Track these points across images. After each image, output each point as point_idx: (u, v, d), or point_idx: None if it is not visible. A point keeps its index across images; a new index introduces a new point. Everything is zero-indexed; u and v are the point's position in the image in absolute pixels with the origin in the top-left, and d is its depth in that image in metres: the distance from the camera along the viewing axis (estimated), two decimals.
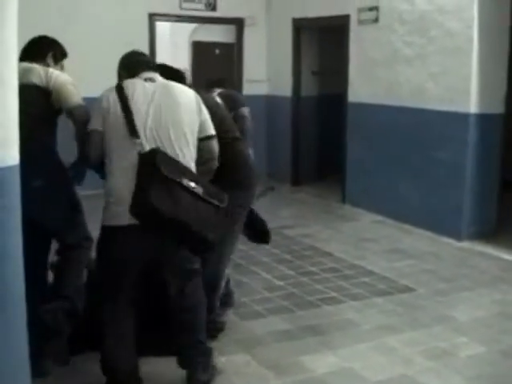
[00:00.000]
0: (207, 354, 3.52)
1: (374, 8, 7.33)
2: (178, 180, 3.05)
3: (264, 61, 9.64)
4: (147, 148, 3.12)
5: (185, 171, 3.15)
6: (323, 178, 9.52)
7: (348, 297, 4.92)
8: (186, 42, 14.48)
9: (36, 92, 3.58)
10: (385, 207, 7.38)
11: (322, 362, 3.82)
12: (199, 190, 3.12)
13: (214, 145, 3.44)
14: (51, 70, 3.70)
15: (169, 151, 3.15)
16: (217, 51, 14.60)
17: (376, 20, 7.33)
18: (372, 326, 4.40)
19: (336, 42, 8.40)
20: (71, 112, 3.57)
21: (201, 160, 3.36)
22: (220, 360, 3.81)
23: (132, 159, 3.11)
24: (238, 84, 9.74)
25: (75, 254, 3.77)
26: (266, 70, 9.66)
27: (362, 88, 7.70)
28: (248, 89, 9.64)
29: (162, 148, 3.14)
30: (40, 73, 3.62)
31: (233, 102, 4.43)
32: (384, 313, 4.63)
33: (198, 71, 14.77)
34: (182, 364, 3.49)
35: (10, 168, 2.27)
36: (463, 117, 6.31)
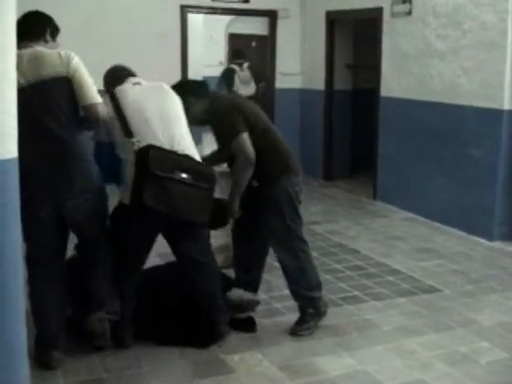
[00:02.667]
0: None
1: (408, 0, 7.18)
2: (171, 175, 3.40)
3: (297, 54, 9.53)
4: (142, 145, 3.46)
5: (180, 161, 3.52)
6: (356, 173, 9.42)
7: (370, 296, 4.82)
8: (221, 35, 14.45)
9: (60, 85, 3.39)
10: (416, 204, 7.24)
11: (336, 364, 3.73)
12: (190, 179, 3.48)
13: None
14: (64, 51, 3.44)
15: (171, 137, 3.62)
16: (253, 44, 14.55)
17: (409, 13, 7.17)
18: (392, 327, 4.29)
19: (370, 35, 8.27)
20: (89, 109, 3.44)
21: None
22: (233, 358, 3.77)
23: (131, 157, 3.48)
24: (270, 77, 9.66)
25: (99, 253, 3.69)
26: (300, 63, 9.56)
27: (394, 82, 7.56)
28: (281, 82, 9.56)
29: (167, 135, 3.59)
30: (54, 58, 3.38)
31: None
32: (406, 314, 4.52)
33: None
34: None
35: (7, 162, 2.24)
36: (497, 113, 6.13)
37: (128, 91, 3.67)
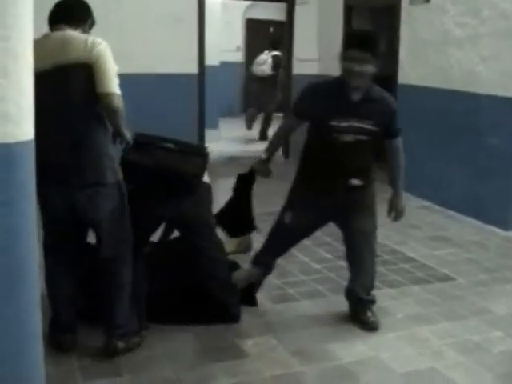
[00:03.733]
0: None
1: None
2: (156, 143, 3.72)
3: (315, 40, 9.47)
4: None
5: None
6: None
7: (384, 283, 4.80)
8: (239, 20, 14.38)
9: (79, 71, 3.28)
10: (431, 193, 7.20)
11: (349, 351, 3.73)
12: (175, 148, 3.74)
13: None
14: (93, 38, 3.31)
15: None
16: (271, 29, 14.49)
17: (427, 0, 7.09)
18: (405, 314, 4.28)
19: (388, 22, 8.19)
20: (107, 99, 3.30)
21: None
22: (246, 343, 3.78)
23: None
24: (287, 63, 9.62)
25: (116, 268, 3.54)
26: (317, 49, 9.50)
27: (412, 70, 7.50)
28: (298, 68, 9.52)
29: None
30: (80, 44, 3.27)
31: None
32: (419, 302, 4.50)
33: (251, 49, 14.71)
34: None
35: (22, 144, 2.23)
36: None
37: None
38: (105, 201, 3.40)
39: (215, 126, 11.04)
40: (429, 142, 7.27)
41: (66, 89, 3.30)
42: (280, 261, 5.18)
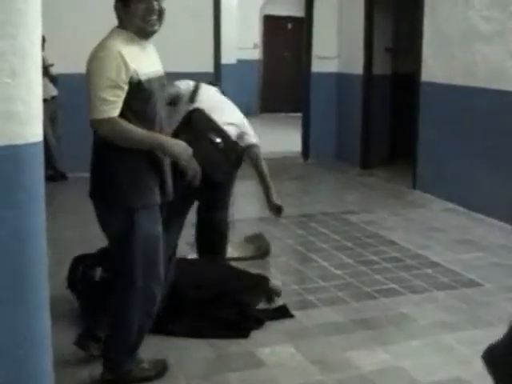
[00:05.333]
0: None
1: None
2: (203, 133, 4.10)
3: (334, 36, 9.46)
4: None
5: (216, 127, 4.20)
6: (395, 161, 9.33)
7: (407, 289, 4.78)
8: (256, 16, 14.40)
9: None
10: (457, 194, 7.15)
11: (370, 359, 3.71)
12: (221, 144, 4.17)
13: None
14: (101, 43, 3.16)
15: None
16: (289, 26, 14.50)
17: None
18: (429, 321, 4.25)
19: (411, 17, 8.16)
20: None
21: None
22: (263, 351, 3.76)
23: None
24: (306, 60, 9.61)
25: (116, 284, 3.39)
26: (337, 46, 9.49)
27: (436, 67, 7.46)
28: (317, 66, 9.51)
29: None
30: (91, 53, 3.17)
31: None
32: (444, 308, 4.47)
33: (269, 47, 14.74)
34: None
35: (31, 145, 2.24)
36: None
37: None
38: (107, 219, 3.30)
39: None
40: (453, 142, 7.23)
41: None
42: (299, 266, 5.19)
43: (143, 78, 3.12)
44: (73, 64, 7.71)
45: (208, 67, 8.56)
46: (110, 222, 3.26)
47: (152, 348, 3.70)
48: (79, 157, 8.00)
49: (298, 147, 9.98)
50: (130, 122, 3.10)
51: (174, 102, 4.44)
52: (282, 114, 14.65)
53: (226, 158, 4.23)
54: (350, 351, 3.80)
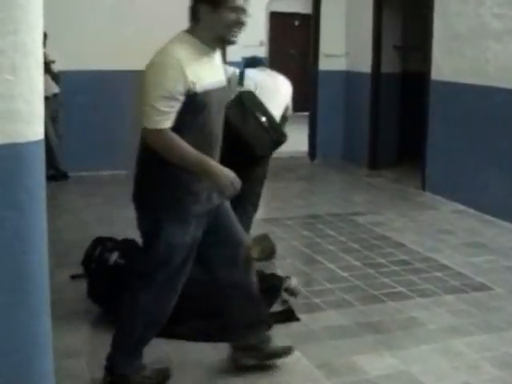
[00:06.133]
0: None
1: None
2: (252, 110, 4.65)
3: (342, 34, 9.47)
4: None
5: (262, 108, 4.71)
6: (403, 161, 9.33)
7: (416, 293, 4.78)
8: (262, 13, 14.39)
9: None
10: (467, 196, 7.15)
11: (377, 364, 3.71)
12: (265, 123, 4.68)
13: None
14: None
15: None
16: (296, 23, 14.49)
17: None
18: (438, 326, 4.25)
19: (420, 14, 8.16)
20: None
21: None
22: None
23: None
24: (313, 58, 9.61)
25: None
26: (345, 43, 9.49)
27: (446, 65, 7.46)
28: (325, 64, 9.51)
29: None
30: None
31: None
32: (454, 312, 4.47)
33: (275, 44, 14.72)
34: None
35: (32, 144, 2.24)
36: None
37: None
38: (139, 220, 3.32)
39: None
40: (464, 143, 7.23)
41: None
42: (305, 268, 5.19)
43: (200, 90, 3.03)
44: (75, 61, 7.84)
45: None
46: (141, 224, 3.29)
47: (156, 350, 3.72)
48: (81, 156, 8.14)
49: (304, 147, 9.98)
50: (181, 132, 3.04)
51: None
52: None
53: (268, 135, 4.70)
54: (356, 355, 3.80)
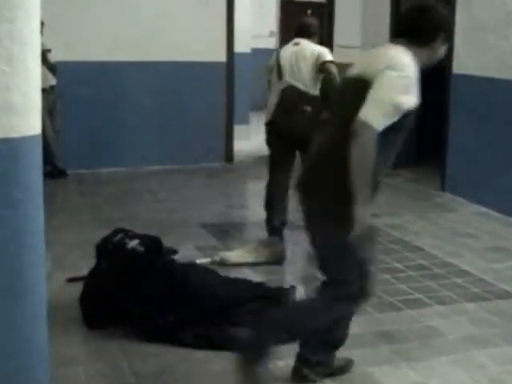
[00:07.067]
0: None
1: None
2: (294, 106, 5.41)
3: (358, 24, 9.45)
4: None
5: (303, 97, 5.46)
6: (422, 161, 9.30)
7: (434, 300, 4.77)
8: (272, 2, 14.41)
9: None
10: (490, 198, 7.13)
11: (393, 376, 3.70)
12: (308, 111, 5.37)
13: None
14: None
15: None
16: (308, 12, 14.47)
17: None
18: (458, 336, 4.23)
19: (441, 3, 8.12)
20: None
21: None
22: (276, 364, 3.75)
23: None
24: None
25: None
26: (360, 34, 9.47)
27: (468, 58, 7.43)
28: (339, 55, 9.47)
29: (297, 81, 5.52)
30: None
31: None
32: (475, 321, 4.45)
33: (286, 35, 14.70)
34: None
35: (28, 138, 2.25)
36: None
37: (287, 48, 5.83)
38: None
39: (245, 121, 11.06)
40: (487, 141, 7.21)
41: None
42: (316, 273, 5.17)
43: (409, 110, 3.13)
44: (73, 51, 7.85)
45: (220, 57, 8.59)
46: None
47: (159, 359, 3.73)
48: (80, 152, 8.16)
49: None
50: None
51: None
52: None
53: (312, 122, 5.10)
54: (371, 366, 3.80)
